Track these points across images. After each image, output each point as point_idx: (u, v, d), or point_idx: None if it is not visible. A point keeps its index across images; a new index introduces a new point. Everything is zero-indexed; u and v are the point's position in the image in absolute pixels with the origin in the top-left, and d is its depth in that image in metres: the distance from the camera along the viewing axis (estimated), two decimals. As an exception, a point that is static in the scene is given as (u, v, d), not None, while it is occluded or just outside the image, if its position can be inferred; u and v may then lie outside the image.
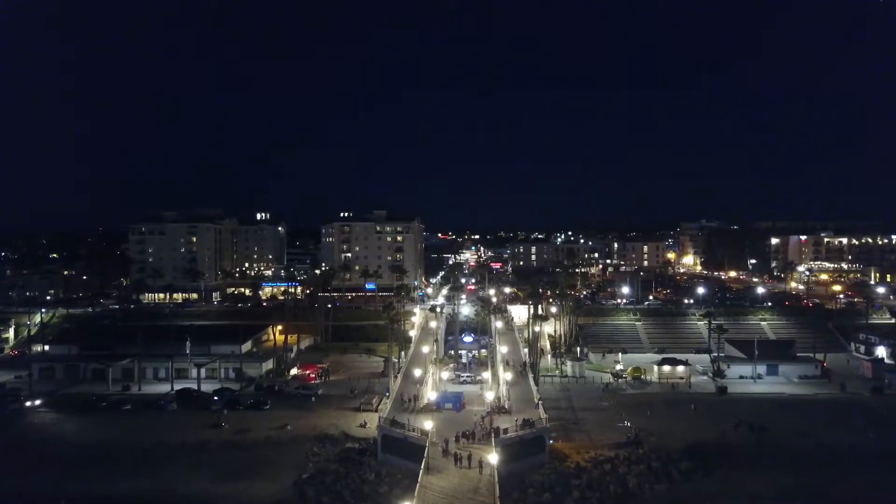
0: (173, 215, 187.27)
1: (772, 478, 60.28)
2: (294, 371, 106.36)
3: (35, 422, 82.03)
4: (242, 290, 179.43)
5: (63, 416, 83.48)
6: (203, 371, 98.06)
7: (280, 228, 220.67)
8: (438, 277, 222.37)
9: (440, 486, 53.35)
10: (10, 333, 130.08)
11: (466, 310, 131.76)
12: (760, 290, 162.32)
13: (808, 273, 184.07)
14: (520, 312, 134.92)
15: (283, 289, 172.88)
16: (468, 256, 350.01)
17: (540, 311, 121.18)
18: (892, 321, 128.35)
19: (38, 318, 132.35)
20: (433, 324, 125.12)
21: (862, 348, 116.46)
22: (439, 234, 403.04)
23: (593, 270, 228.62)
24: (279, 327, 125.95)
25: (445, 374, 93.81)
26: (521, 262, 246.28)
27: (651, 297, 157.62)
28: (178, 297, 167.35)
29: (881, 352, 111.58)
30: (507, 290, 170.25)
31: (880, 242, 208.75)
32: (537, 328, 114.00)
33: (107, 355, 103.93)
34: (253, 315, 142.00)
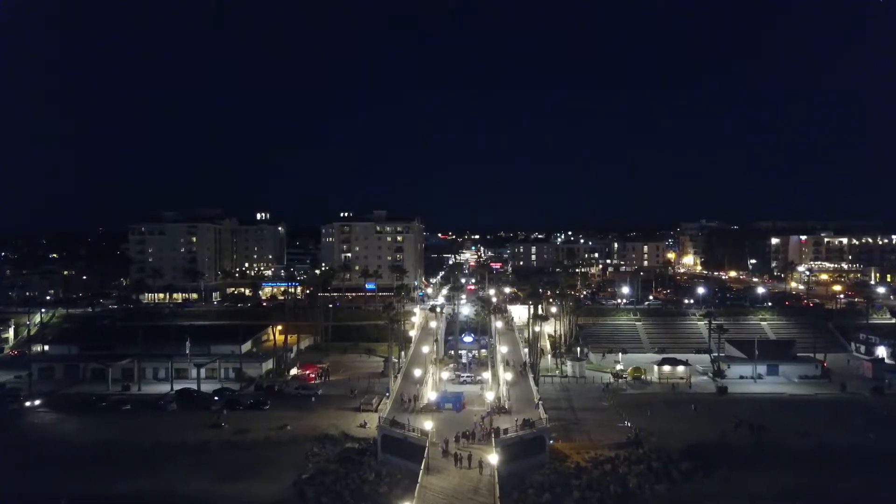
0: (173, 215, 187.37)
1: (772, 478, 60.23)
2: (294, 371, 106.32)
3: (35, 422, 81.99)
4: (242, 290, 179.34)
5: (63, 416, 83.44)
6: (203, 371, 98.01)
7: (280, 228, 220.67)
8: (438, 277, 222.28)
9: (440, 487, 53.29)
10: (10, 333, 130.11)
11: (466, 310, 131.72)
12: (760, 290, 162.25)
13: (808, 273, 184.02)
14: (520, 312, 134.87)
15: (282, 289, 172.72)
16: (468, 256, 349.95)
17: (540, 311, 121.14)
18: (893, 321, 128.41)
19: (37, 318, 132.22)
20: (433, 324, 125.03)
21: (862, 348, 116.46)
22: (439, 234, 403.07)
23: (593, 270, 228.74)
24: (279, 327, 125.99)
25: (445, 375, 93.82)
26: (521, 262, 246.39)
27: (651, 297, 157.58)
28: (178, 297, 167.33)
29: (881, 352, 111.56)
30: (507, 290, 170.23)
31: (880, 242, 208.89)
32: (537, 328, 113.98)
33: (106, 355, 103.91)
34: (253, 315, 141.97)
